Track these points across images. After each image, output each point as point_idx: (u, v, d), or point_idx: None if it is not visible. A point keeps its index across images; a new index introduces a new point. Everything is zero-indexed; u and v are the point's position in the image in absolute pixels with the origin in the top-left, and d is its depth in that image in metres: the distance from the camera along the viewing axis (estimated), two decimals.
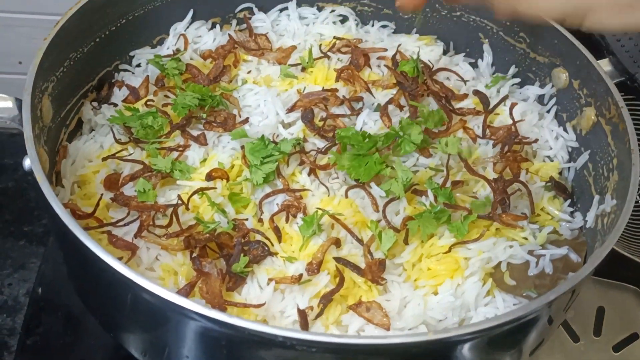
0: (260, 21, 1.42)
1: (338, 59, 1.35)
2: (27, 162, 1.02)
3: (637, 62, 1.23)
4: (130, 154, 1.18)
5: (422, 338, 0.84)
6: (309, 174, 1.18)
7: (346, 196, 1.15)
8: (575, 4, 0.66)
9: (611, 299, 1.37)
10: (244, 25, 1.41)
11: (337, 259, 1.07)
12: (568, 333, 1.33)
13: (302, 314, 1.01)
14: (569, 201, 1.22)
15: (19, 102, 1.06)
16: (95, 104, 1.27)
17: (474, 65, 1.41)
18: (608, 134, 1.17)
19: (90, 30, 1.23)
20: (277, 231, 1.10)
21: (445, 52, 1.43)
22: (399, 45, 1.37)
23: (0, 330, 1.45)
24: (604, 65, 1.23)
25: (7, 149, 1.76)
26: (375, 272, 1.06)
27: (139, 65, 1.35)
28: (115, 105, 1.26)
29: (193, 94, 1.23)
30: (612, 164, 1.15)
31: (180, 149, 1.18)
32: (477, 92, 1.32)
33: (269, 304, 1.03)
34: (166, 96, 1.28)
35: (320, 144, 1.21)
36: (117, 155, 1.17)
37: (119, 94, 1.29)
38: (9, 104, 1.06)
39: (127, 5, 1.28)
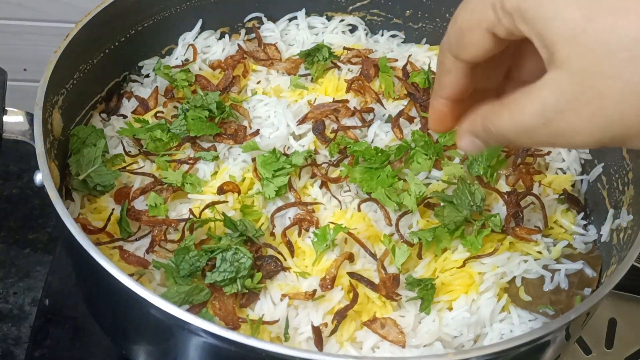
0: (269, 31, 1.41)
1: (348, 70, 1.34)
2: (38, 177, 1.01)
3: None
4: (141, 167, 1.17)
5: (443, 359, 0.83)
6: (320, 187, 1.17)
7: (359, 209, 1.14)
8: (613, 135, 0.68)
9: (623, 311, 1.36)
10: (253, 35, 1.40)
11: (351, 274, 1.06)
12: (580, 345, 1.31)
13: (317, 330, 1.00)
14: (582, 214, 1.21)
15: (29, 117, 1.04)
16: (104, 115, 1.26)
17: None
18: (623, 147, 1.16)
19: (99, 42, 1.22)
20: (290, 245, 1.09)
21: None
22: (410, 55, 1.36)
23: (6, 340, 1.44)
24: None
25: (12, 156, 1.74)
26: (390, 287, 1.05)
27: (147, 76, 1.34)
28: (125, 116, 1.25)
29: None
30: (628, 178, 1.14)
31: (191, 161, 1.17)
32: None
33: (283, 320, 1.01)
34: (175, 107, 1.27)
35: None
36: (127, 168, 1.16)
37: (128, 105, 1.27)
38: (19, 118, 1.04)
39: (136, 16, 1.27)
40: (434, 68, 1.32)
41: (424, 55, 1.38)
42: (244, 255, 1.02)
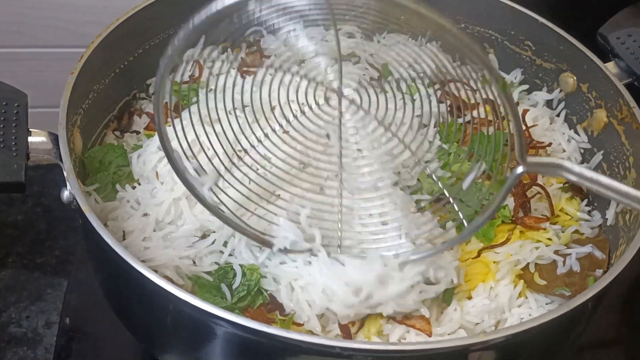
0: (270, 43, 1.44)
1: None
2: (65, 194, 1.04)
3: None
4: None
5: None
6: None
7: None
8: None
9: None
10: (254, 48, 1.44)
11: None
12: None
13: (345, 328, 1.04)
14: (585, 201, 1.26)
15: (52, 136, 1.08)
16: (117, 133, 1.29)
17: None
18: (621, 133, 1.21)
19: (111, 62, 1.26)
20: None
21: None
22: None
23: None
24: (611, 68, 1.27)
25: None
26: None
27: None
28: (138, 132, 1.29)
29: None
30: (629, 162, 1.19)
31: None
32: (487, 101, 1.35)
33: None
34: None
35: None
36: None
37: (139, 122, 1.31)
38: (42, 138, 1.08)
39: (143, 35, 1.31)
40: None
41: None
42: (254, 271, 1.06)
